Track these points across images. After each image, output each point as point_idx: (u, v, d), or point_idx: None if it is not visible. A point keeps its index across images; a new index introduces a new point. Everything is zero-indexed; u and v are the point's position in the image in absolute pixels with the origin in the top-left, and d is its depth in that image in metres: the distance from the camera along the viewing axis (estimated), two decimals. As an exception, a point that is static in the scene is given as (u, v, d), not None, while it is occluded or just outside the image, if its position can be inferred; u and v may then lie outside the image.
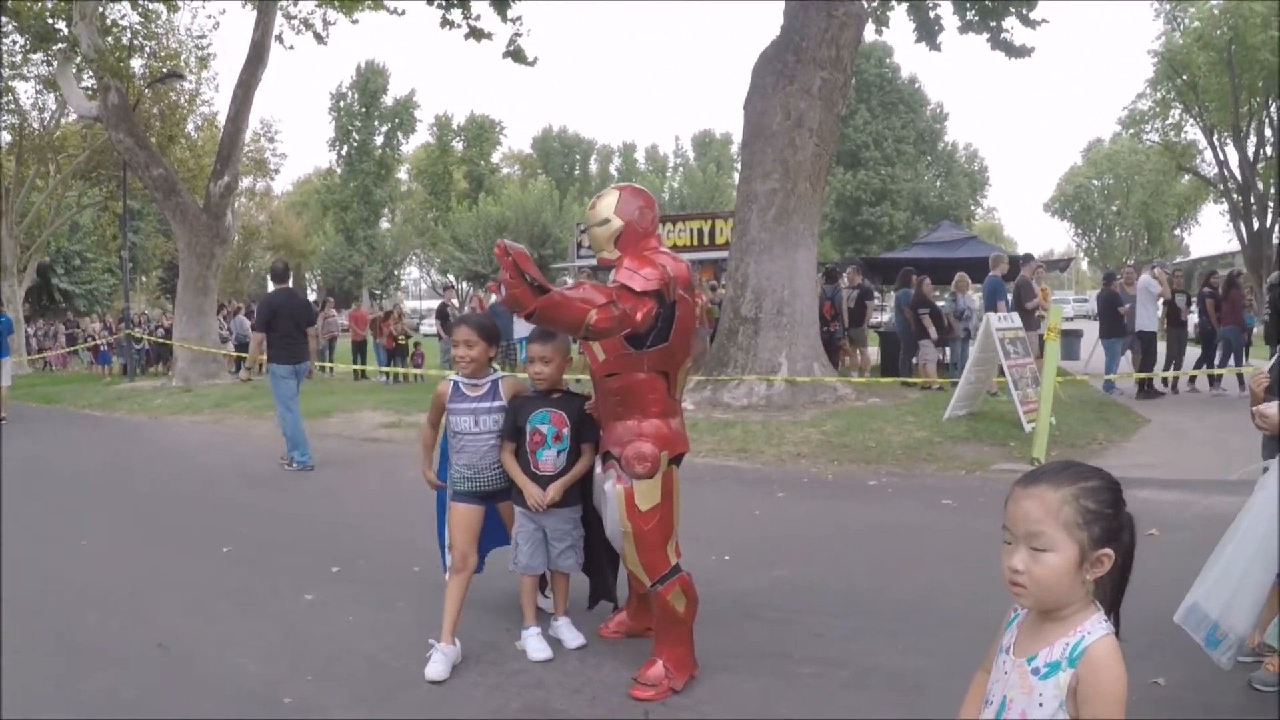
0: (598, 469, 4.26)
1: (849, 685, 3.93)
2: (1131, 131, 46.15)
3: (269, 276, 12.88)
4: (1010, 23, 15.58)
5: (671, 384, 3.99)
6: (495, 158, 79.12)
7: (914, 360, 15.04)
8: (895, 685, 3.89)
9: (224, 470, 10.39)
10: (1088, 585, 1.79)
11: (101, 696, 4.17)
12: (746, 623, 4.73)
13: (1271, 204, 36.57)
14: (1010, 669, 1.89)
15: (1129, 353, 14.93)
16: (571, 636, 4.49)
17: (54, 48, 20.92)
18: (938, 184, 61.83)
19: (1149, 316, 14.49)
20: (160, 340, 24.21)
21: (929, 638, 4.40)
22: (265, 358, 10.53)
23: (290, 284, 11.24)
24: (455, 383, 4.43)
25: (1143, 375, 13.64)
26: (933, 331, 14.71)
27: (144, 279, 58.20)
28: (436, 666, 4.17)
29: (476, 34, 17.51)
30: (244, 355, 22.39)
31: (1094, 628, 1.77)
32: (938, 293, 17.06)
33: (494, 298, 21.27)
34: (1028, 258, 15.24)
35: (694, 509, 7.06)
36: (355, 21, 22.20)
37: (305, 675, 4.30)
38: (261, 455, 11.27)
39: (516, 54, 17.51)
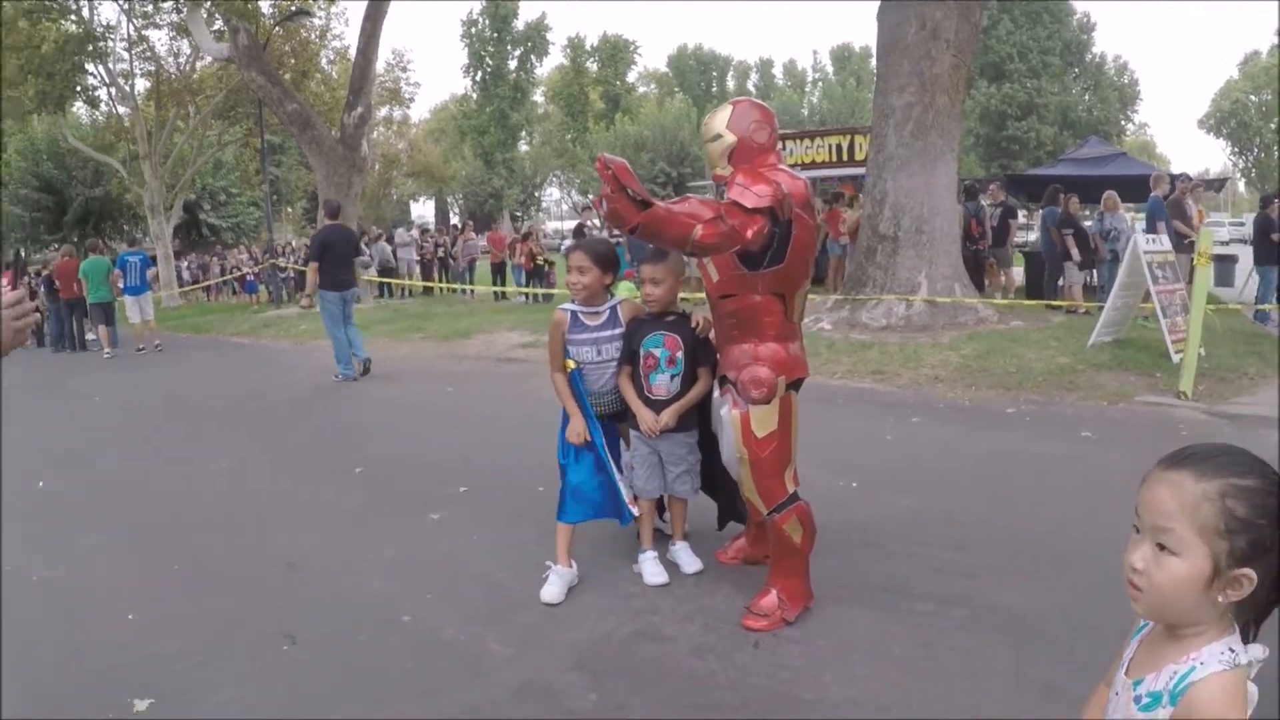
0: (715, 393, 4.16)
1: (964, 626, 3.77)
2: (1291, 43, 43.10)
3: (322, 213, 13.70)
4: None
5: (789, 306, 3.82)
6: (631, 77, 78.83)
7: (1059, 283, 14.46)
8: (1011, 629, 3.71)
9: (359, 393, 10.66)
10: (1222, 606, 1.37)
11: (225, 614, 4.33)
12: (866, 553, 4.60)
13: None
14: (1121, 690, 1.50)
15: None
16: (688, 561, 4.44)
17: (181, -5, 21.38)
18: (1085, 97, 58.82)
19: None
20: (303, 268, 24.88)
21: (1053, 579, 4.20)
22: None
23: (340, 220, 12.39)
24: (573, 313, 4.32)
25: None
26: (1076, 253, 14.08)
27: (289, 210, 59.99)
28: (552, 589, 4.18)
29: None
30: (386, 280, 23.10)
31: (1211, 658, 1.36)
32: (1085, 212, 16.30)
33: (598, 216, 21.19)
34: (1184, 177, 14.37)
35: (825, 432, 6.98)
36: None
37: (425, 594, 4.38)
38: (398, 377, 11.53)
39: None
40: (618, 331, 4.28)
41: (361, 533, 5.40)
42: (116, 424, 9.93)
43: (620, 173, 3.12)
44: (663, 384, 4.22)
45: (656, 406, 4.21)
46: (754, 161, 3.76)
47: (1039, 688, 3.26)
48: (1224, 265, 17.76)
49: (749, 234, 3.46)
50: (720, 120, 3.84)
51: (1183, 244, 12.30)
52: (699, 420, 4.36)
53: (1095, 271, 15.10)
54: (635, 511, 4.29)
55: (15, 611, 4.49)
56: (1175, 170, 29.21)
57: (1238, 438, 6.98)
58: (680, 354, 4.21)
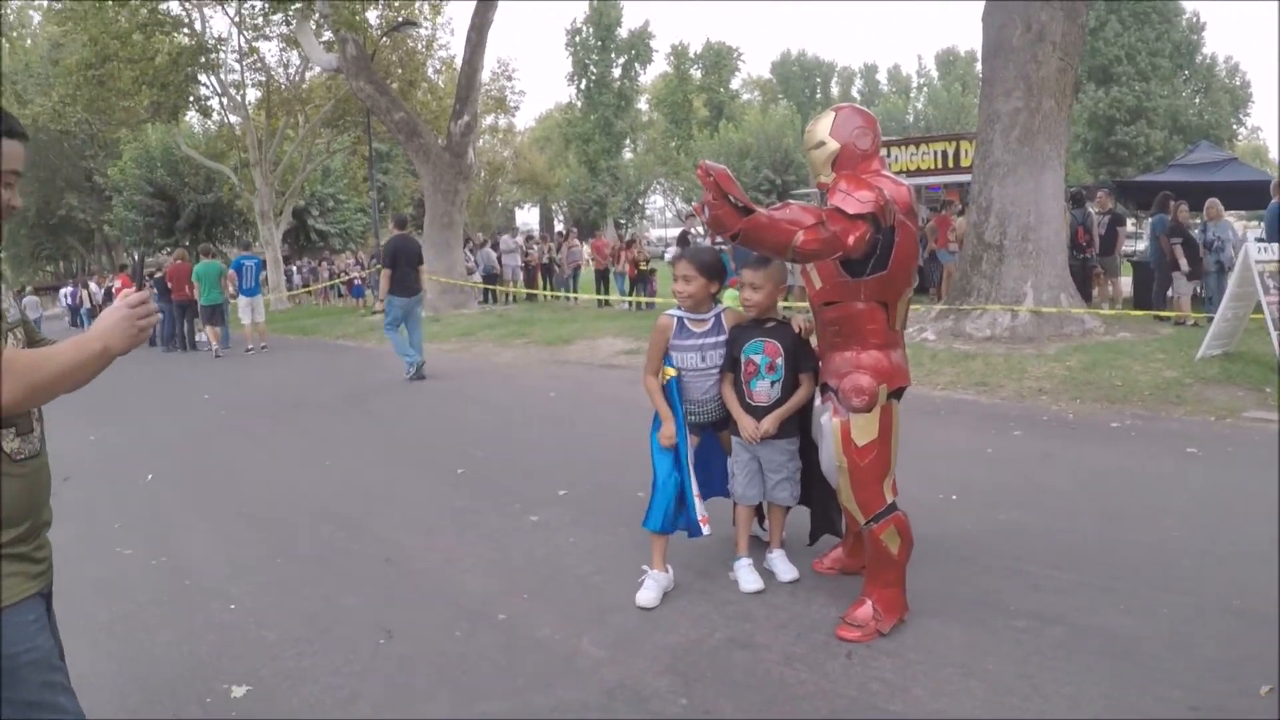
0: (816, 400, 4.16)
1: (1060, 645, 3.68)
2: None
3: (392, 224, 14.24)
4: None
5: (892, 314, 3.80)
6: (735, 84, 78.69)
7: (1168, 293, 14.07)
8: (1108, 651, 3.61)
9: (463, 396, 10.86)
10: None
11: (325, 606, 4.48)
12: (964, 567, 4.53)
13: None
14: None
15: None
16: (785, 570, 4.43)
17: (291, 8, 21.93)
18: (1196, 101, 56.92)
19: None
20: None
21: (1153, 601, 4.06)
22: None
23: (408, 231, 13.09)
24: (679, 319, 4.35)
25: None
26: (1184, 263, 13.69)
27: (396, 215, 60.96)
28: (648, 593, 4.22)
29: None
30: (490, 286, 23.48)
31: None
32: (1195, 220, 15.85)
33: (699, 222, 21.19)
34: None
35: (925, 444, 6.94)
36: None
37: (521, 594, 4.46)
38: (503, 382, 11.76)
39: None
40: (722, 338, 4.30)
41: (461, 532, 5.51)
42: (226, 420, 10.29)
43: (721, 179, 3.15)
44: (763, 390, 4.22)
45: (757, 413, 4.21)
46: (857, 168, 3.75)
47: (1132, 711, 3.18)
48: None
49: (851, 240, 3.46)
50: (823, 127, 3.85)
51: None
52: (800, 428, 4.36)
53: (1203, 282, 14.67)
54: (705, 530, 4.25)
55: (130, 594, 4.73)
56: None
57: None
58: (780, 360, 4.21)
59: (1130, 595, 4.14)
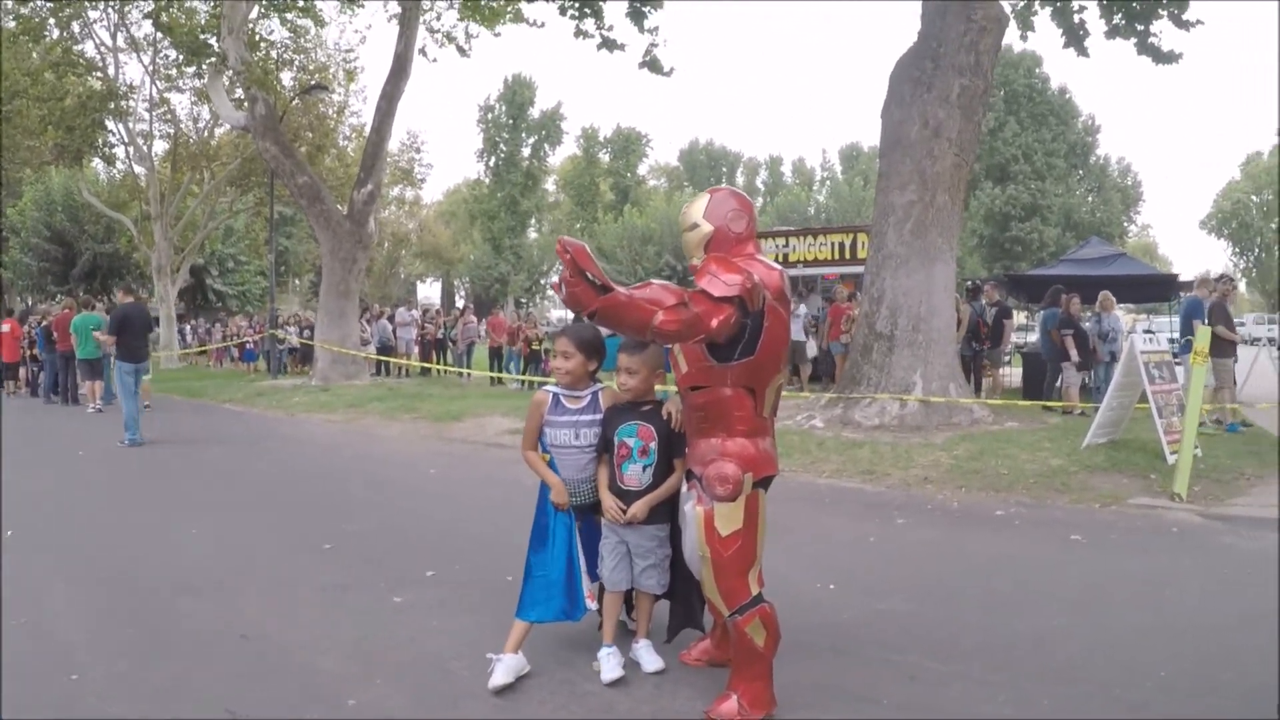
0: (682, 488, 4.04)
1: (935, 739, 3.59)
2: (1292, 143, 43.81)
3: (120, 291, 14.34)
4: (1159, 27, 14.83)
5: (760, 401, 3.71)
6: (642, 170, 79.82)
7: (1058, 383, 14.39)
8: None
9: (344, 469, 10.56)
10: None
11: (171, 681, 4.27)
12: (838, 659, 4.42)
13: None
14: None
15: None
16: (650, 660, 4.26)
17: (205, 62, 21.78)
18: (1089, 199, 59.36)
19: None
20: (305, 341, 25.00)
21: (1034, 691, 4.02)
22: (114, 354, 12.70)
23: (137, 298, 13.48)
24: (555, 394, 4.27)
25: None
26: (1074, 354, 14.03)
27: (296, 282, 60.40)
28: (497, 677, 4.06)
29: (609, 44, 17.66)
30: (384, 358, 23.19)
31: None
32: (1086, 312, 16.32)
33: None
34: (1226, 279, 14.28)
35: (807, 531, 6.92)
36: (497, 34, 22.64)
37: (375, 678, 4.27)
38: (385, 456, 11.47)
39: (653, 64, 17.52)
40: (597, 417, 4.21)
41: (323, 609, 5.29)
42: (96, 479, 9.92)
43: (579, 255, 3.05)
44: (634, 474, 4.11)
45: (627, 497, 4.09)
46: (731, 251, 3.69)
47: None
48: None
49: (714, 324, 3.37)
50: (698, 209, 3.79)
51: (1224, 348, 12.22)
52: (670, 514, 4.22)
53: (1093, 372, 15.05)
54: (590, 605, 4.16)
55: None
56: (1175, 270, 29.22)
57: (1233, 540, 6.87)
58: (654, 444, 4.11)
59: (1010, 686, 4.09)
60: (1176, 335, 13.25)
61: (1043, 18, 16.25)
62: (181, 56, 24.22)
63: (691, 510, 3.77)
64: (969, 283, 17.06)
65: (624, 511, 4.07)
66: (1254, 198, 71.46)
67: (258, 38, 22.80)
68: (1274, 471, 9.38)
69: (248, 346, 28.78)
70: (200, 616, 5.18)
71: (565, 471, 4.22)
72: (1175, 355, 12.10)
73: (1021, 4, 16.14)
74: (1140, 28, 14.82)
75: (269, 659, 4.53)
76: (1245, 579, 5.90)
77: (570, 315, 23.12)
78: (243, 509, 8.32)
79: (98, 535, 7.23)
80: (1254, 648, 4.54)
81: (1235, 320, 13.58)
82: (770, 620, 3.72)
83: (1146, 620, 4.91)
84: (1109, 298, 14.88)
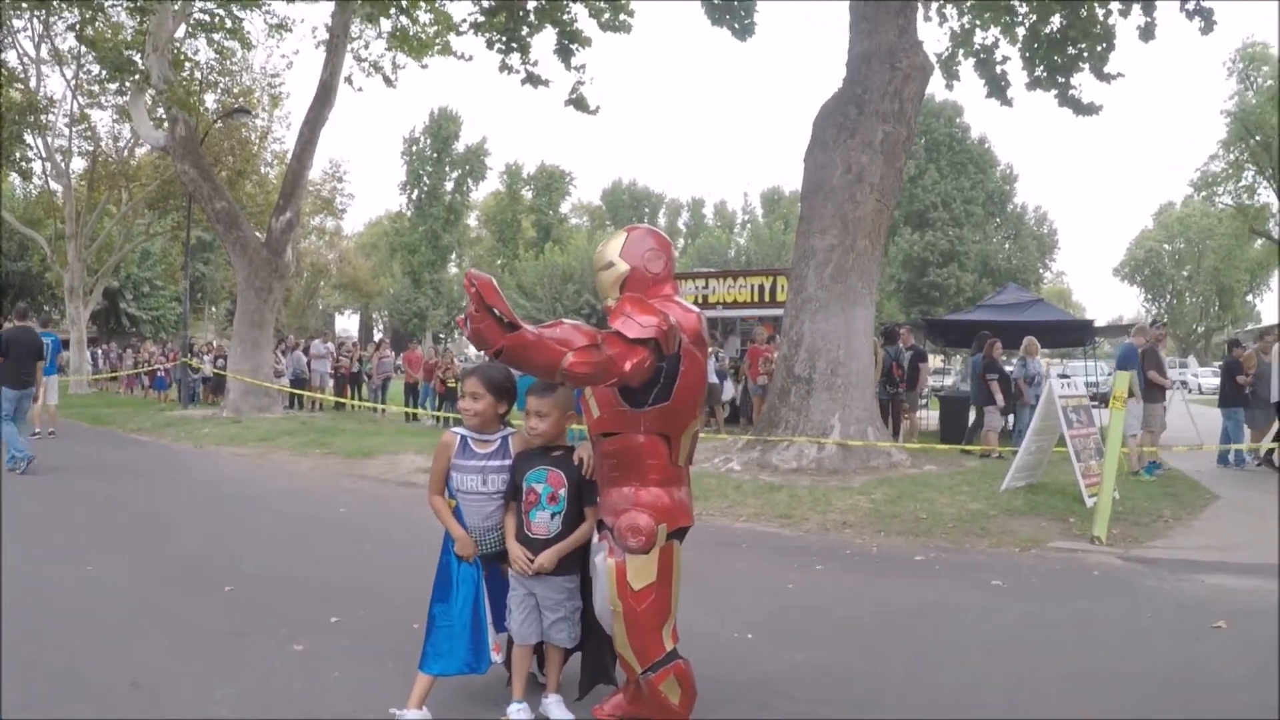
0: (593, 538, 3.88)
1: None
2: (1203, 194, 45.76)
3: (14, 315, 13.74)
4: (1079, 79, 15.22)
5: (675, 449, 3.59)
6: (564, 208, 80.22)
7: (984, 427, 14.53)
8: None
9: (250, 506, 10.21)
10: None
11: None
12: (758, 713, 4.29)
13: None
14: None
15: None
16: (560, 715, 4.08)
17: (128, 79, 21.35)
18: (1006, 246, 60.68)
19: None
20: (219, 371, 24.47)
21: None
22: None
23: (30, 323, 13.04)
24: (463, 437, 4.09)
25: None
26: (999, 398, 14.19)
27: (213, 309, 59.33)
28: None
29: (534, 80, 17.72)
30: (298, 391, 22.73)
31: None
32: (1005, 357, 16.56)
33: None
34: (1158, 324, 14.58)
35: (724, 578, 6.77)
36: (424, 66, 22.53)
37: (269, 733, 4.01)
38: (295, 494, 11.14)
39: (579, 102, 17.57)
40: (506, 463, 4.04)
41: (218, 657, 5.01)
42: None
43: (485, 290, 2.90)
44: (543, 522, 3.94)
45: (535, 546, 3.92)
46: (647, 292, 3.56)
47: None
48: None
49: (627, 366, 3.23)
50: (614, 248, 3.67)
51: (1155, 393, 12.40)
52: (581, 565, 4.06)
53: (1015, 415, 15.26)
54: (495, 658, 3.99)
55: None
56: (1090, 316, 29.89)
57: (1155, 583, 6.91)
58: (564, 491, 3.94)
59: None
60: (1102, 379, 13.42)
61: (966, 68, 16.59)
62: (105, 72, 23.73)
63: (603, 562, 3.61)
64: (884, 326, 17.23)
65: (531, 561, 3.90)
66: (1166, 246, 73.76)
67: (183, 57, 22.37)
68: (1193, 514, 9.54)
69: (158, 374, 28.05)
70: (88, 662, 4.89)
71: (471, 519, 4.05)
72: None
73: (946, 54, 16.44)
74: (1061, 80, 15.19)
75: (160, 709, 4.29)
76: (1169, 624, 5.91)
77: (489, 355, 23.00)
78: (142, 546, 7.97)
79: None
80: (1180, 696, 4.52)
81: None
82: (685, 678, 3.59)
83: (1071, 668, 4.87)
84: (1034, 343, 15.12)
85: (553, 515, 3.93)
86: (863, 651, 5.25)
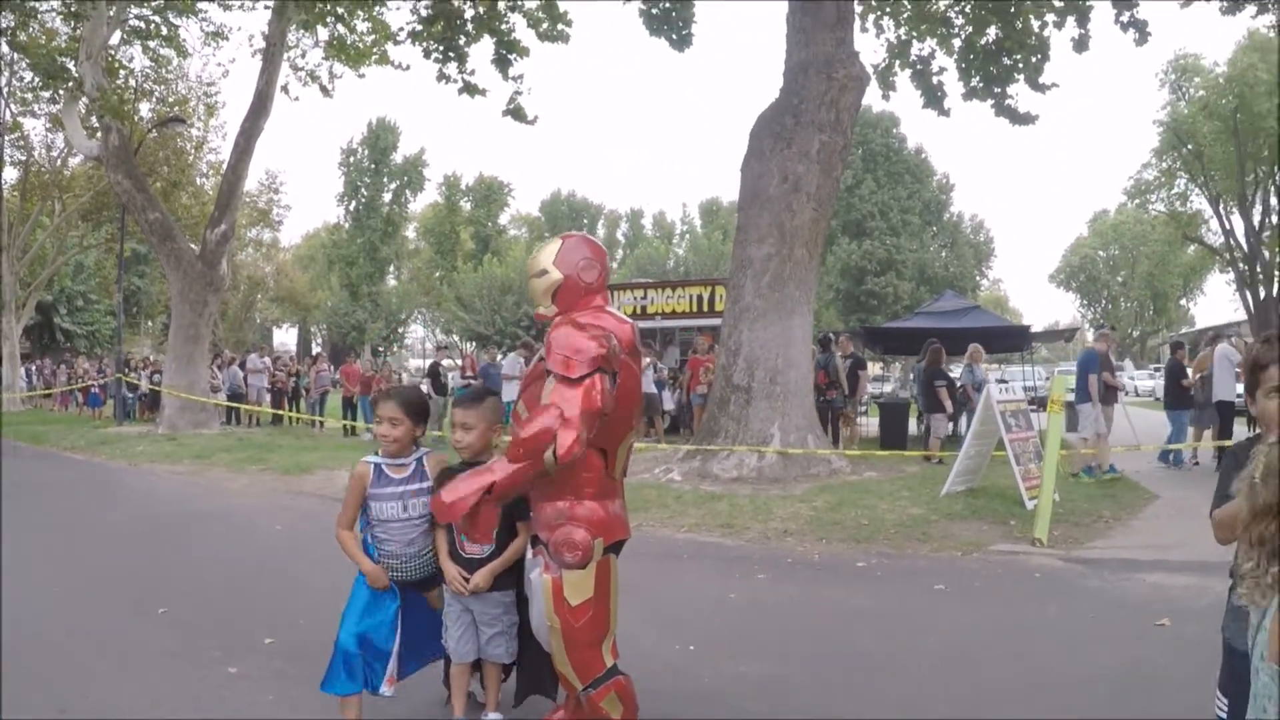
0: (528, 554, 3.81)
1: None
2: (1137, 202, 46.67)
3: None
4: (1015, 89, 15.45)
5: (610, 461, 3.55)
6: (503, 219, 79.88)
7: (935, 432, 14.68)
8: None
9: (185, 524, 10.00)
10: None
11: None
12: (700, 727, 4.24)
13: (1278, 272, 36.54)
14: None
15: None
16: (501, 733, 4.02)
17: (62, 86, 20.97)
18: (943, 254, 61.49)
19: (1228, 386, 13.51)
20: (154, 386, 24.04)
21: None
22: None
23: None
24: (377, 465, 3.98)
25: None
26: (948, 404, 14.33)
27: (149, 323, 58.33)
28: None
29: (471, 90, 17.66)
30: (234, 405, 22.37)
31: None
32: (950, 363, 16.76)
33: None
34: (1102, 326, 14.88)
35: (665, 589, 6.71)
36: (362, 76, 22.37)
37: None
38: (231, 511, 10.93)
39: (516, 112, 17.51)
40: (425, 485, 3.94)
41: (150, 681, 4.88)
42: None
43: (459, 510, 3.29)
44: (476, 540, 3.86)
45: (470, 565, 3.84)
46: (578, 302, 3.51)
47: None
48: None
49: (598, 399, 3.27)
50: (547, 255, 3.62)
51: (1110, 395, 12.61)
52: (516, 579, 3.99)
53: (960, 420, 15.44)
54: (387, 691, 3.90)
55: None
56: (1027, 322, 30.31)
57: (1098, 584, 6.98)
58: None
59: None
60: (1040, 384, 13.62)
61: (903, 79, 16.77)
62: (37, 79, 23.28)
63: (539, 579, 3.55)
64: (821, 334, 17.34)
65: (467, 581, 3.83)
66: (1100, 252, 75.16)
67: (117, 64, 22.05)
68: (1132, 514, 9.68)
69: (92, 390, 27.50)
70: (17, 689, 4.72)
71: (393, 546, 3.95)
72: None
73: (883, 65, 16.60)
74: (997, 90, 15.40)
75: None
76: (1113, 624, 5.96)
77: (427, 367, 22.85)
78: (72, 567, 7.77)
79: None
80: (1127, 696, 4.56)
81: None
82: (626, 693, 3.54)
83: (1017, 671, 4.90)
84: (979, 349, 15.31)
85: (486, 532, 3.86)
86: (806, 661, 5.23)
